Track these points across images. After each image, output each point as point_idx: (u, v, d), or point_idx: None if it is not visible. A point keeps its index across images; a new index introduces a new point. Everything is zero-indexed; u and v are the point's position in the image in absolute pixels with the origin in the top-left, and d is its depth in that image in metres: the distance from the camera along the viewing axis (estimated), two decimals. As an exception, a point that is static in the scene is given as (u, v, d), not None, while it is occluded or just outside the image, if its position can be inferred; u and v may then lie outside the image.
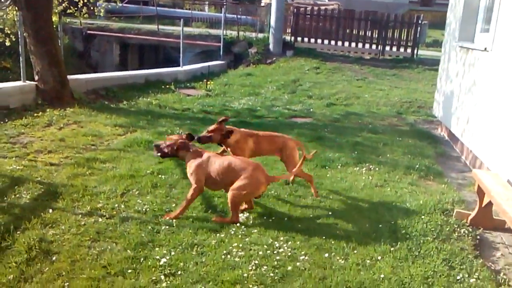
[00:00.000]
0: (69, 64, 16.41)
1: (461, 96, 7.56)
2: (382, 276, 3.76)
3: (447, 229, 4.69)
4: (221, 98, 11.43)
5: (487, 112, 6.24)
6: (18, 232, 4.17)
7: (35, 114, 8.16)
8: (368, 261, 3.99)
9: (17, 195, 4.96)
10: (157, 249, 4.00)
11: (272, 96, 11.91)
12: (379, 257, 4.05)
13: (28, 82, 9.10)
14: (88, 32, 20.12)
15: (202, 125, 8.37)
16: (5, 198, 4.88)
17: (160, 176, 5.65)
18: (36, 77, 9.12)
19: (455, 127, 7.74)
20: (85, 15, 13.52)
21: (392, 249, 4.22)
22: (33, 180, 5.34)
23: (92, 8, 14.31)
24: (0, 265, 3.66)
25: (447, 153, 7.68)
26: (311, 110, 10.47)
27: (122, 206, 4.79)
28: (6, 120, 7.69)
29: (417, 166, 6.61)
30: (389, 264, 3.96)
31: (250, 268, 3.77)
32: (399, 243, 4.33)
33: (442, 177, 6.36)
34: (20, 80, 9.08)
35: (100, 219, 4.47)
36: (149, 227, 4.36)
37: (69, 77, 9.75)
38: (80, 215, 4.55)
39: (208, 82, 13.15)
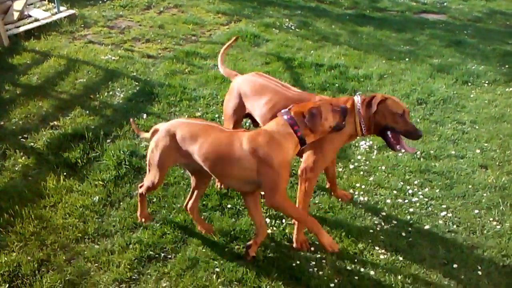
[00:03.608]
0: None
1: None
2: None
3: None
4: (336, -18, 9.85)
5: None
6: (108, 141, 3.71)
7: (135, -7, 7.49)
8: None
9: (111, 93, 4.48)
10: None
11: (397, -17, 10.08)
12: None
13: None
14: None
15: (314, 17, 7.21)
16: (98, 95, 4.42)
17: (266, 81, 4.83)
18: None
19: None
20: None
21: None
22: (128, 75, 4.82)
23: None
24: (86, 183, 3.24)
25: None
26: (445, 4, 8.67)
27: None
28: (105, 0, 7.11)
29: None
30: None
31: None
32: None
33: None
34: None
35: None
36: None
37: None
38: (176, 124, 3.96)
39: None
